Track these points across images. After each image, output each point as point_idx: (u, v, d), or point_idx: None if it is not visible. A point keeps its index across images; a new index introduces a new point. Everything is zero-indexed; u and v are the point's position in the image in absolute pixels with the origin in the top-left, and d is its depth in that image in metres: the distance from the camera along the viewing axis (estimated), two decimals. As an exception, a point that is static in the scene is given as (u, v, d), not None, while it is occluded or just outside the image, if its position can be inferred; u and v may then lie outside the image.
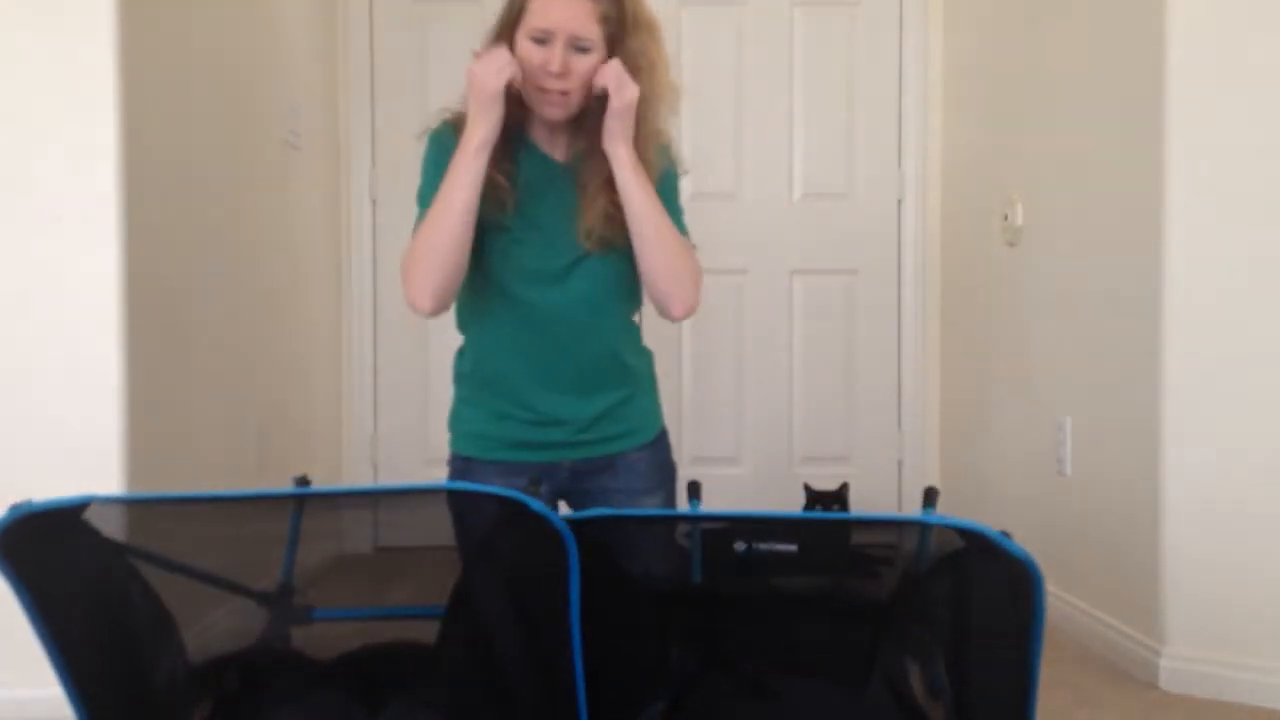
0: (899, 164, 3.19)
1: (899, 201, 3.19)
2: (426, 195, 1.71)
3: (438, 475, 3.40)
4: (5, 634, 1.79)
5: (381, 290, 3.17)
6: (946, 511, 3.28)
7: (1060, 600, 2.33)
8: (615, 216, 1.62)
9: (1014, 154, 2.64)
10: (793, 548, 1.18)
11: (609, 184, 1.61)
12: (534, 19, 1.56)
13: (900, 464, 3.23)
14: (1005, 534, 1.02)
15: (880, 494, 3.23)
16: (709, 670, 1.29)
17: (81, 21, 1.78)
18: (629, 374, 1.73)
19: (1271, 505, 1.87)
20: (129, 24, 1.82)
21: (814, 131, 3.19)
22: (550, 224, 1.65)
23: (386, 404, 3.18)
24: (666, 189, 1.77)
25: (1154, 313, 1.95)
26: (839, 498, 2.87)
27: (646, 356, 1.82)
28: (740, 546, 1.21)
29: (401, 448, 3.18)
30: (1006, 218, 2.63)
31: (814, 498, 2.88)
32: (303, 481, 1.40)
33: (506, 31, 1.63)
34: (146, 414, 1.88)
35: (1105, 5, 2.17)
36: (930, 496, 1.49)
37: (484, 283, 1.68)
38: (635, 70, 1.58)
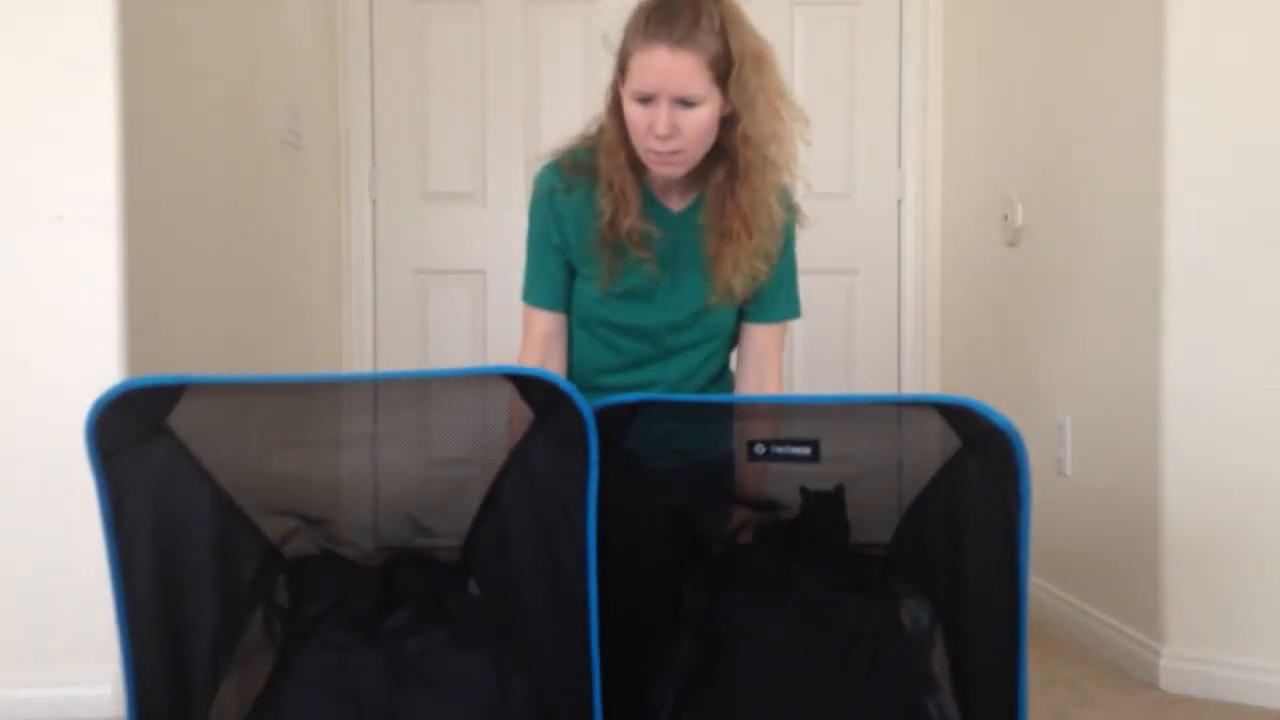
0: (899, 164, 3.19)
1: (899, 201, 3.19)
2: (531, 263, 1.67)
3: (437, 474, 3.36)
4: (6, 634, 1.80)
5: (381, 290, 3.17)
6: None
7: (1060, 600, 2.33)
8: (752, 274, 1.59)
9: (1014, 154, 2.64)
10: (807, 450, 1.18)
11: (739, 237, 1.56)
12: (635, 80, 1.46)
13: (900, 464, 3.23)
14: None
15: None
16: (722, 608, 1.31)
17: (81, 21, 1.78)
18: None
19: (1272, 505, 1.87)
20: (129, 24, 1.82)
21: (814, 132, 3.18)
22: (663, 281, 1.62)
23: (386, 404, 3.18)
24: (789, 258, 1.74)
25: (1154, 313, 1.95)
26: (836, 498, 2.87)
27: (729, 381, 1.79)
28: (760, 449, 1.21)
29: (401, 448, 3.18)
30: (1006, 218, 2.63)
31: (808, 499, 2.87)
32: None
33: (616, 95, 1.55)
34: (146, 414, 1.88)
35: (1105, 5, 2.17)
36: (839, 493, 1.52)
37: (586, 322, 1.67)
38: (739, 110, 1.51)
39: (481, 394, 1.19)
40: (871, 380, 3.22)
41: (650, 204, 1.61)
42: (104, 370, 1.80)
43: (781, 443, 1.19)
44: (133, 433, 1.16)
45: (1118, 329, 2.10)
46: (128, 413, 1.14)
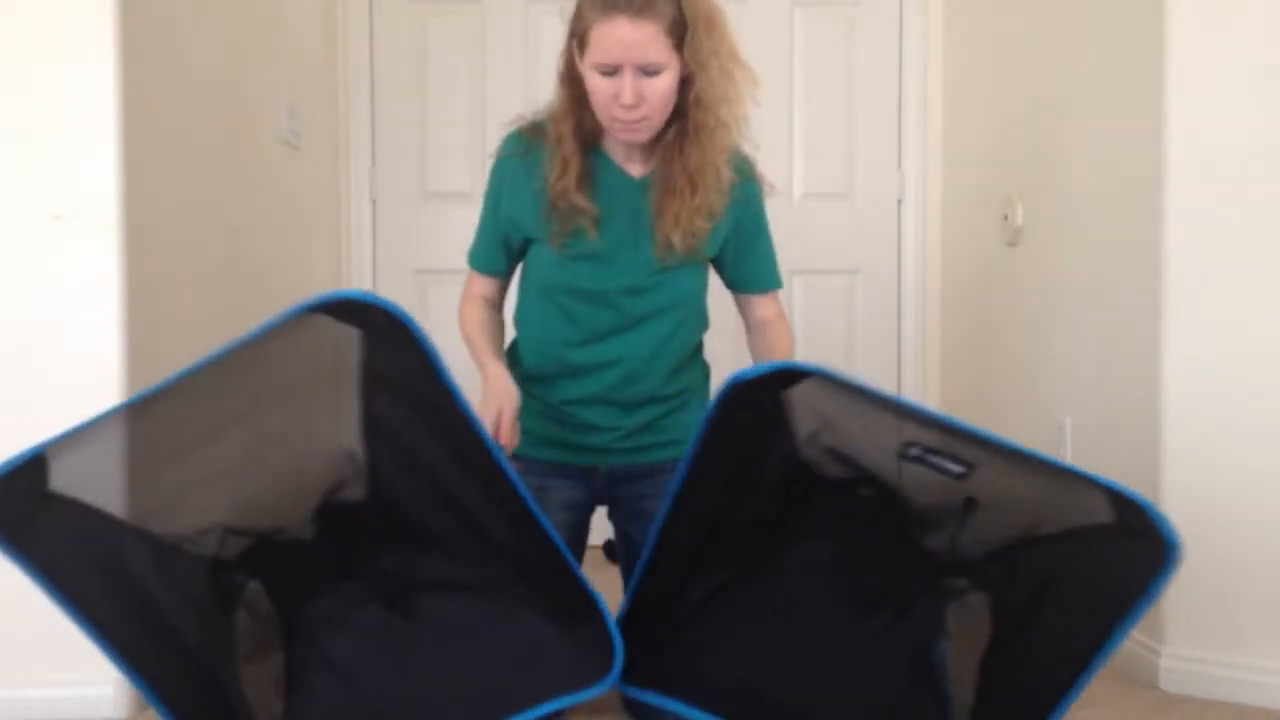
0: (899, 164, 3.19)
1: (899, 201, 3.19)
2: (483, 227, 1.75)
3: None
4: (6, 634, 1.80)
5: (381, 290, 3.17)
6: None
7: (1060, 600, 2.33)
8: (692, 230, 1.60)
9: (1014, 154, 2.64)
10: (959, 469, 1.18)
11: (683, 194, 1.58)
12: (597, 52, 1.49)
13: (900, 464, 3.23)
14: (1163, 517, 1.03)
15: (880, 494, 3.23)
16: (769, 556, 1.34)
17: (82, 22, 1.78)
18: (678, 389, 1.74)
19: (1272, 505, 1.87)
20: (129, 25, 1.82)
21: (814, 131, 3.20)
22: (626, 242, 1.63)
23: (386, 404, 3.18)
24: (756, 223, 1.74)
25: (1154, 313, 1.95)
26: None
27: (702, 371, 1.82)
28: (915, 451, 1.21)
29: (401, 448, 3.18)
30: (1006, 218, 2.63)
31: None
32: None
33: (571, 65, 1.59)
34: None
35: (1106, 5, 2.17)
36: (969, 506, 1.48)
37: (537, 292, 1.69)
38: (694, 72, 1.53)
39: (302, 335, 1.18)
40: (872, 380, 3.21)
41: (610, 171, 1.64)
42: (104, 370, 1.80)
43: (941, 454, 1.19)
44: (25, 514, 1.13)
45: (1118, 329, 2.10)
46: (8, 500, 1.11)
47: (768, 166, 3.19)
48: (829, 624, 1.32)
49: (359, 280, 3.15)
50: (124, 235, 1.81)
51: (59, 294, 1.80)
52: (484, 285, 1.80)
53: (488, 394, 1.58)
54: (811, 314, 3.22)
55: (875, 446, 1.29)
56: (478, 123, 3.12)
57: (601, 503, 1.78)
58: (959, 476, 1.19)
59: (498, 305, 1.83)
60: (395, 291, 3.17)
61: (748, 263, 1.77)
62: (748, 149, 1.69)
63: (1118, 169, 2.11)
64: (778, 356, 1.76)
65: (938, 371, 3.20)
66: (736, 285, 1.81)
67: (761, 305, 1.83)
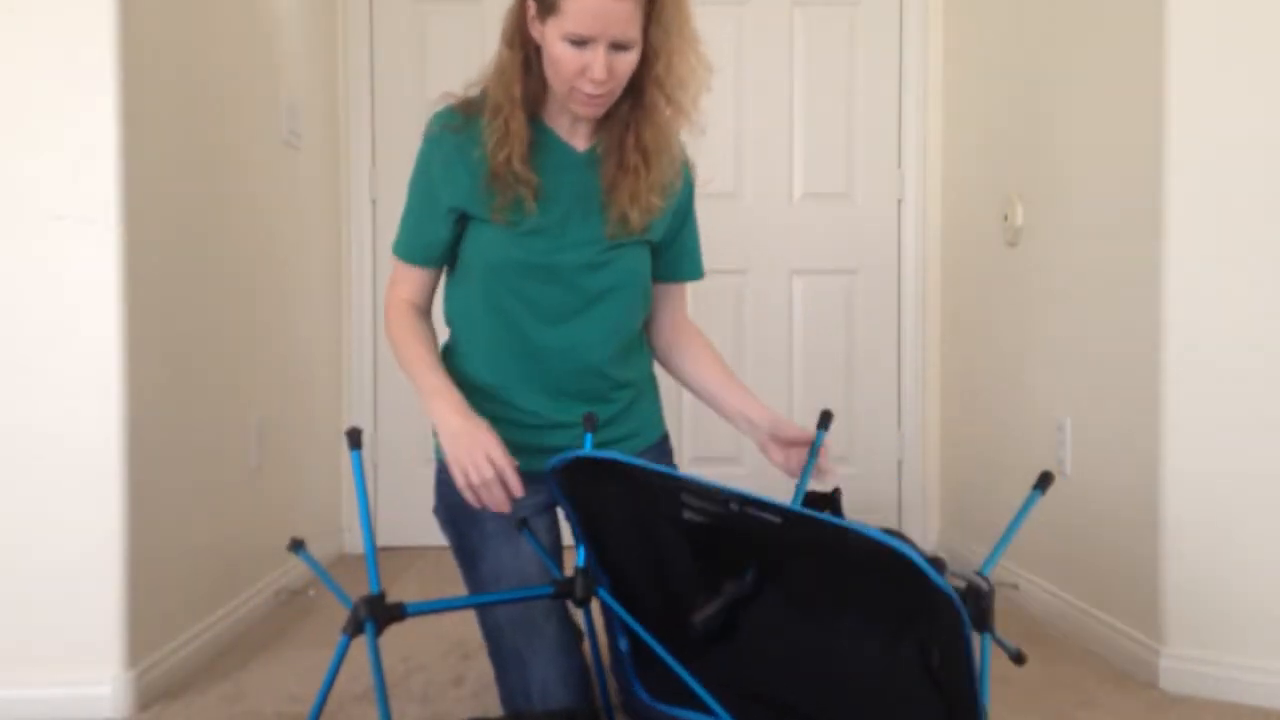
0: (899, 164, 3.19)
1: (899, 201, 3.19)
2: (413, 214, 1.63)
3: (438, 475, 3.32)
4: (6, 634, 1.80)
5: (381, 290, 3.17)
6: (948, 511, 3.29)
7: (1060, 600, 2.33)
8: (648, 207, 1.56)
9: (1014, 154, 2.64)
10: (776, 520, 1.22)
11: (637, 170, 1.54)
12: (571, 22, 1.42)
13: (900, 464, 3.23)
14: (936, 561, 1.06)
15: (880, 494, 3.23)
16: (763, 581, 1.34)
17: (81, 21, 1.78)
18: (635, 377, 1.70)
19: (1272, 505, 1.87)
20: (129, 24, 1.82)
21: (814, 131, 3.20)
22: (574, 217, 1.57)
23: (386, 404, 3.19)
24: (687, 214, 1.72)
25: (1154, 313, 1.95)
26: (830, 500, 2.87)
27: (649, 358, 1.78)
28: (734, 506, 1.26)
29: (401, 448, 3.18)
30: (1006, 218, 2.63)
31: (807, 499, 2.87)
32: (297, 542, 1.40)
33: (523, 27, 1.51)
34: (146, 413, 1.88)
35: (1106, 6, 2.17)
36: (824, 420, 1.66)
37: (484, 278, 1.59)
38: (656, 52, 1.49)
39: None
40: (872, 380, 3.22)
41: (553, 144, 1.58)
42: (104, 370, 1.80)
43: (755, 505, 1.24)
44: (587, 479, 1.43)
45: (1118, 329, 2.10)
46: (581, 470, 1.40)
47: (767, 166, 3.22)
48: (833, 627, 1.32)
49: (359, 279, 3.15)
50: (124, 235, 1.81)
51: (59, 294, 1.80)
52: (414, 282, 1.64)
53: (461, 445, 1.43)
54: (811, 314, 3.22)
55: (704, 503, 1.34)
56: (478, 123, 3.12)
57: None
58: (780, 526, 1.23)
59: (427, 312, 1.67)
60: (395, 291, 3.17)
61: (674, 248, 1.71)
62: (693, 134, 1.61)
63: (1118, 169, 2.11)
64: (717, 385, 1.73)
65: (938, 371, 3.20)
66: (659, 273, 1.72)
67: (678, 301, 1.78)
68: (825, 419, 1.67)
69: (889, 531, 1.11)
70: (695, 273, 1.78)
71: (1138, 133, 2.01)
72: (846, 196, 3.20)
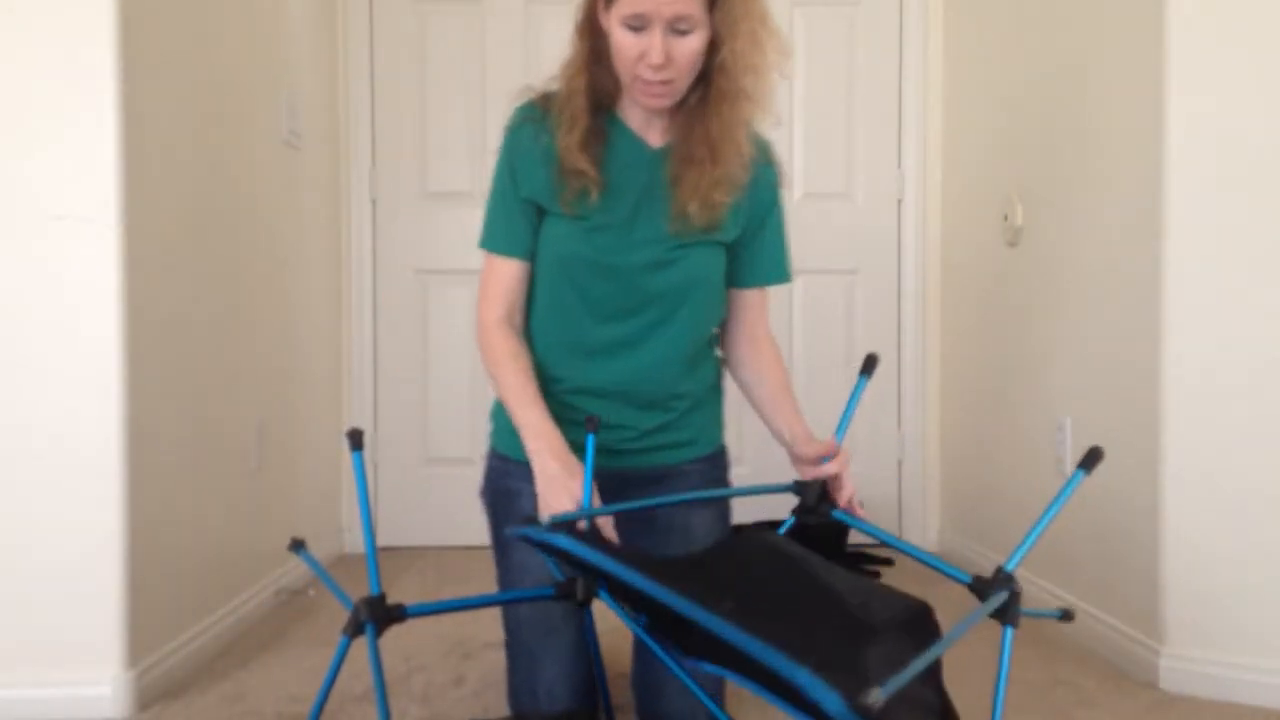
0: (899, 164, 3.19)
1: (899, 201, 3.20)
2: (497, 205, 1.59)
3: (438, 475, 3.40)
4: (6, 634, 1.80)
5: (381, 290, 3.17)
6: (948, 512, 3.26)
7: (1060, 600, 2.33)
8: (710, 202, 1.50)
9: (1014, 154, 2.64)
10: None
11: (702, 163, 1.48)
12: (627, 4, 1.38)
13: (900, 464, 3.23)
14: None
15: (880, 494, 3.23)
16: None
17: (81, 21, 1.78)
18: (693, 387, 1.62)
19: (1272, 505, 1.87)
20: (129, 24, 1.82)
21: (814, 131, 3.20)
22: (638, 215, 1.52)
23: (386, 404, 3.18)
24: (769, 211, 1.62)
25: (1154, 313, 1.95)
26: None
27: (715, 369, 1.69)
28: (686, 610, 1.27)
29: (401, 448, 3.18)
30: (1006, 218, 2.63)
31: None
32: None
33: (593, 15, 1.47)
34: (146, 413, 1.88)
35: (1106, 5, 2.17)
36: (869, 364, 1.58)
37: (550, 271, 1.56)
38: (722, 37, 1.42)
39: None
40: (872, 380, 3.21)
41: (624, 138, 1.54)
42: (104, 370, 1.80)
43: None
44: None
45: (1118, 329, 2.10)
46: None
47: (768, 166, 3.22)
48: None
49: (359, 280, 3.15)
50: (124, 235, 1.81)
51: (59, 294, 1.80)
52: (508, 276, 1.57)
53: (553, 489, 1.42)
54: (811, 314, 3.22)
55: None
56: (478, 123, 3.12)
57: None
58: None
59: (520, 326, 1.60)
60: (395, 291, 3.17)
61: (751, 249, 1.62)
62: (769, 124, 1.55)
63: (1118, 169, 2.11)
64: (782, 409, 1.64)
65: (938, 371, 3.20)
66: (734, 277, 1.64)
67: (755, 311, 1.67)
68: (870, 363, 1.56)
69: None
70: (776, 276, 1.66)
71: (1138, 133, 2.01)
72: (846, 196, 3.20)
